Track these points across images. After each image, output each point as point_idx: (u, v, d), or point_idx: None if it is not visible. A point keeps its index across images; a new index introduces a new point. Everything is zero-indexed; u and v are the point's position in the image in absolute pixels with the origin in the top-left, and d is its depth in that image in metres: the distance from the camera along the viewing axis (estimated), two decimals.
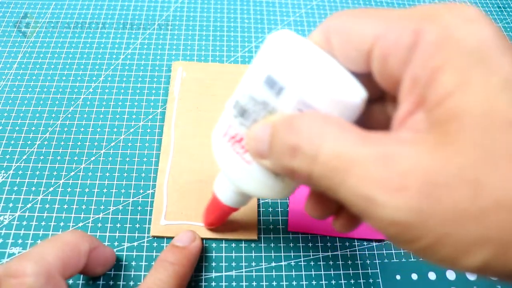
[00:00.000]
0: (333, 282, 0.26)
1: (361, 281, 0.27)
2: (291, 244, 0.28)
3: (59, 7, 0.39)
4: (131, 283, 0.25)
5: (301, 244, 0.28)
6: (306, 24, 0.40)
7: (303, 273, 0.27)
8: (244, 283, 0.26)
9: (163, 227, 0.27)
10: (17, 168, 0.29)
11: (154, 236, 0.27)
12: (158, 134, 0.32)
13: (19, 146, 0.30)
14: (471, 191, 0.10)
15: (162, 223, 0.27)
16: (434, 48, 0.12)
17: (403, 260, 0.28)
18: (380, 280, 0.27)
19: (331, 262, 0.27)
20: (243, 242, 0.27)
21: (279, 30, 0.16)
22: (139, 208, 0.28)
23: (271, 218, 0.29)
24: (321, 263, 0.27)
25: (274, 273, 0.26)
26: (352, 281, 0.26)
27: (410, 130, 0.12)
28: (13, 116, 0.32)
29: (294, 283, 0.26)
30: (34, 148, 0.30)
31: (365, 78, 0.15)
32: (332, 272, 0.27)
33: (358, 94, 0.15)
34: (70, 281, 0.25)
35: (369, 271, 0.27)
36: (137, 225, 0.28)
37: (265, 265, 0.27)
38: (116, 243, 0.27)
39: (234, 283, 0.26)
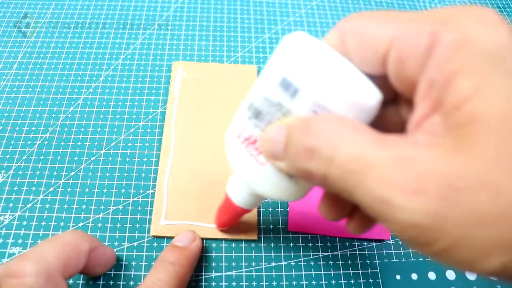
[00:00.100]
0: (333, 282, 0.26)
1: (361, 281, 0.27)
2: (291, 244, 0.28)
3: (59, 7, 0.39)
4: (131, 283, 0.25)
5: (301, 244, 0.28)
6: (306, 24, 0.40)
7: (303, 273, 0.27)
8: (244, 283, 0.26)
9: (163, 227, 0.27)
10: (17, 168, 0.30)
11: (154, 236, 0.27)
12: (158, 134, 0.32)
13: (19, 146, 0.31)
14: (490, 195, 0.10)
15: (162, 223, 0.27)
16: (451, 51, 0.12)
17: (403, 260, 0.28)
18: (380, 280, 0.27)
19: (331, 262, 0.27)
20: (243, 242, 0.27)
21: (295, 32, 0.16)
22: (139, 208, 0.28)
23: (271, 218, 0.29)
24: (321, 263, 0.27)
25: (274, 273, 0.26)
26: (352, 281, 0.26)
27: (427, 133, 0.12)
28: (13, 116, 0.32)
29: (294, 283, 0.26)
30: (34, 148, 0.30)
31: (379, 80, 0.15)
32: (332, 272, 0.27)
33: (373, 96, 0.15)
34: (70, 281, 0.25)
35: (369, 271, 0.27)
36: (137, 225, 0.28)
37: (265, 265, 0.27)
38: (116, 243, 0.27)
39: (234, 283, 0.26)
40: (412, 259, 0.28)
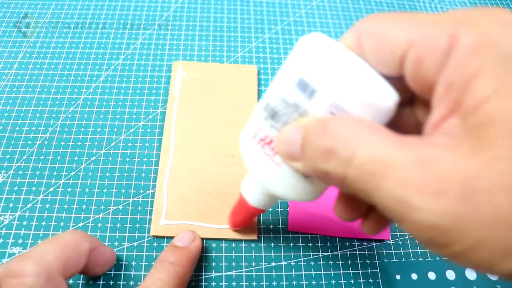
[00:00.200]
0: (333, 282, 0.26)
1: (361, 281, 0.27)
2: (291, 244, 0.28)
3: (59, 7, 0.39)
4: (131, 283, 0.25)
5: (301, 244, 0.28)
6: (306, 25, 0.40)
7: (303, 273, 0.27)
8: (244, 283, 0.26)
9: (163, 227, 0.27)
10: (17, 168, 0.30)
11: (154, 236, 0.27)
12: (158, 134, 0.32)
13: (19, 146, 0.31)
14: (510, 197, 0.10)
15: (162, 223, 0.27)
16: (470, 52, 0.12)
17: (403, 260, 0.28)
18: (380, 280, 0.27)
19: (331, 262, 0.27)
20: (243, 242, 0.27)
21: (312, 33, 0.16)
22: (139, 208, 0.28)
23: (271, 218, 0.29)
24: (321, 263, 0.27)
25: (274, 273, 0.26)
26: (352, 281, 0.26)
27: (445, 135, 0.12)
28: (13, 116, 0.32)
29: (294, 283, 0.26)
30: (34, 148, 0.30)
31: (396, 81, 0.15)
32: (332, 272, 0.27)
33: (390, 98, 0.15)
34: (70, 281, 0.25)
35: (369, 271, 0.27)
36: (137, 225, 0.28)
37: (265, 265, 0.27)
38: (116, 243, 0.27)
39: (234, 283, 0.26)
40: (412, 259, 0.28)
